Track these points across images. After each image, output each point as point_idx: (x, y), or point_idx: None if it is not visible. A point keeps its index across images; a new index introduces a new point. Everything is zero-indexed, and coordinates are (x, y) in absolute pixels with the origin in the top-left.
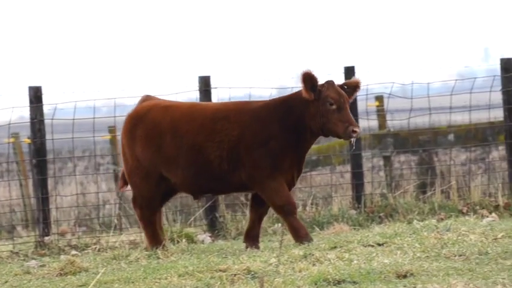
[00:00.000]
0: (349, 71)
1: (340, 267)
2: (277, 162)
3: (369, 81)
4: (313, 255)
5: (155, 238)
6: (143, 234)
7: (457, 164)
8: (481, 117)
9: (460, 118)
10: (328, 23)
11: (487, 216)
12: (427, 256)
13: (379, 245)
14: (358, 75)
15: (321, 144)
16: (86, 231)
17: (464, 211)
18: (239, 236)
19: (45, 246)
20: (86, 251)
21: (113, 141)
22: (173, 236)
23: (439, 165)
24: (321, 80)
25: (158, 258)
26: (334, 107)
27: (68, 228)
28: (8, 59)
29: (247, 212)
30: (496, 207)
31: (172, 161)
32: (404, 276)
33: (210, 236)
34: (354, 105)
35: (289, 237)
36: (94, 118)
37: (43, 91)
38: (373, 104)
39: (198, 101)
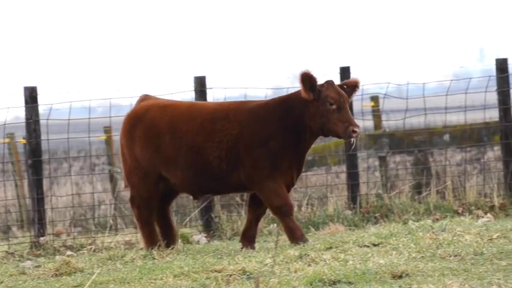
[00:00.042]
0: (345, 72)
1: (336, 267)
2: (276, 163)
3: (365, 82)
4: (308, 255)
5: (151, 238)
6: (139, 235)
7: (453, 164)
8: (476, 117)
9: (456, 118)
10: (324, 23)
11: (483, 217)
12: (423, 256)
13: (375, 245)
14: (353, 76)
15: (317, 144)
16: (81, 232)
17: (460, 211)
18: (234, 237)
19: (41, 247)
20: (81, 252)
21: (108, 141)
22: None
23: (434, 165)
24: (319, 80)
25: (154, 258)
26: (334, 106)
27: (63, 229)
28: (4, 59)
29: (243, 212)
30: (492, 208)
31: (172, 162)
32: (400, 277)
33: (205, 237)
34: (349, 106)
35: (284, 238)
36: (89, 118)
37: (38, 91)
38: (368, 105)
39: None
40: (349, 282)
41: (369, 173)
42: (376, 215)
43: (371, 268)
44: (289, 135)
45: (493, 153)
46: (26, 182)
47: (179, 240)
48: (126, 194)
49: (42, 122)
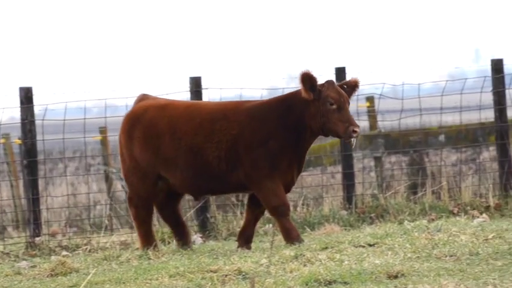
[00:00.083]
0: (340, 72)
1: (331, 267)
2: (276, 162)
3: (360, 82)
4: (304, 255)
5: (148, 238)
6: (134, 235)
7: (448, 164)
8: (471, 118)
9: (451, 119)
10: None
11: (478, 217)
12: (418, 256)
13: (370, 245)
14: (349, 76)
15: (312, 144)
16: (76, 232)
17: (455, 212)
18: (230, 237)
19: (36, 247)
20: (76, 252)
21: (103, 141)
22: (164, 237)
23: (429, 165)
24: (319, 80)
25: (149, 258)
26: (334, 106)
27: (58, 229)
28: None
29: (238, 212)
30: (487, 208)
31: (171, 163)
32: (395, 277)
33: (201, 237)
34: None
35: (280, 238)
36: (85, 119)
37: (34, 92)
38: (364, 105)
39: None
40: (345, 283)
41: (365, 173)
42: (372, 215)
43: (366, 268)
44: (289, 134)
45: (488, 154)
46: (21, 183)
47: (175, 241)
48: (122, 194)
49: (37, 122)
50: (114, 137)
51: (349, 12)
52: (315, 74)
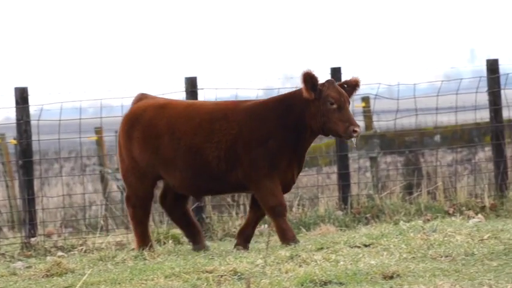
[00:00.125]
0: (336, 72)
1: (327, 268)
2: (275, 162)
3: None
4: (299, 256)
5: (144, 239)
6: (130, 236)
7: (443, 165)
8: (467, 118)
9: (446, 119)
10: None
11: (473, 217)
12: (414, 257)
13: (366, 246)
14: (344, 76)
15: None
16: (72, 233)
17: (451, 212)
18: (226, 237)
19: (31, 248)
20: (72, 252)
21: (99, 142)
22: (160, 237)
23: (425, 166)
24: (320, 80)
25: (145, 259)
26: (334, 106)
27: (54, 230)
28: None
29: (234, 213)
30: (482, 208)
31: (170, 163)
32: (391, 277)
33: None
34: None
35: (275, 239)
36: (80, 119)
37: (29, 92)
38: (359, 105)
39: None
40: (340, 283)
41: (360, 173)
42: (367, 215)
43: (362, 269)
44: (289, 134)
45: (484, 154)
46: (16, 183)
47: (170, 241)
48: (117, 194)
49: (33, 122)
50: (109, 137)
51: (345, 12)
52: (316, 73)
